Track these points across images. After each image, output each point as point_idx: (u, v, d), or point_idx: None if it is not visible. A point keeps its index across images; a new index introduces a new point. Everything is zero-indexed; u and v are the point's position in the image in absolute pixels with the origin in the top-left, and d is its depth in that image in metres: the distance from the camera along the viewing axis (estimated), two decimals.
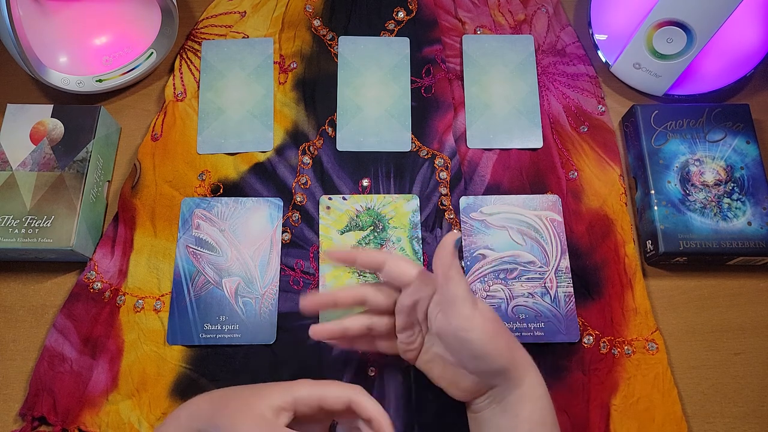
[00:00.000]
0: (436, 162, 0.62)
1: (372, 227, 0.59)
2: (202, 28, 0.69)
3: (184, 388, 0.54)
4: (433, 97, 0.65)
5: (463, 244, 0.59)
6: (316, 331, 0.47)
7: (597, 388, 0.54)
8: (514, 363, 0.41)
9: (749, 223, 0.57)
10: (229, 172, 0.62)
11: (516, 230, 0.59)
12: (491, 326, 0.41)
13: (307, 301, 0.47)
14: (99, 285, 0.57)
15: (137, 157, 0.62)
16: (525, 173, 0.62)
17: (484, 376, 0.42)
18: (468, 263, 0.58)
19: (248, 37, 0.68)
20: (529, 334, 0.55)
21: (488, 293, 0.57)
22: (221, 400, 0.41)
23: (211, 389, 0.53)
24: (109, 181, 0.63)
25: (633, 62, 0.65)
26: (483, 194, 0.61)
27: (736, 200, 0.58)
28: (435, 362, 0.45)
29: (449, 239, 0.42)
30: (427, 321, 0.44)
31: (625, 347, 0.55)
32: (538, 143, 0.64)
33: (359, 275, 0.57)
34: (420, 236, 0.59)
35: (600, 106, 0.66)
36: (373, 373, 0.54)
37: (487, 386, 0.43)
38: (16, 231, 0.55)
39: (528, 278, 0.57)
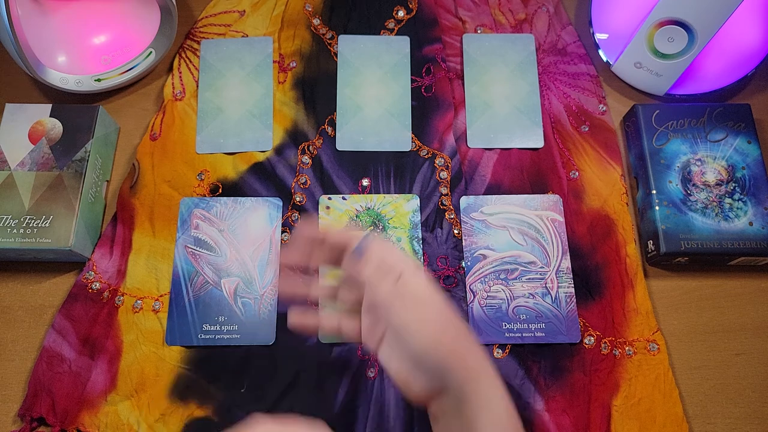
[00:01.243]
0: (437, 162, 0.62)
1: (372, 227, 0.59)
2: (201, 27, 0.69)
3: (183, 389, 0.53)
4: (434, 97, 0.65)
5: (464, 244, 0.58)
6: (293, 321, 0.46)
7: (598, 389, 0.54)
8: (458, 367, 0.39)
9: (750, 224, 0.57)
10: (228, 171, 0.62)
11: (517, 230, 0.59)
12: (433, 327, 0.39)
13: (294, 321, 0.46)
14: (97, 285, 0.57)
15: (136, 156, 0.62)
16: (526, 173, 0.62)
17: (430, 376, 0.40)
18: (469, 263, 0.58)
19: (247, 36, 0.68)
20: (530, 334, 0.55)
21: (489, 294, 0.57)
22: None
23: (210, 390, 0.53)
24: (107, 181, 0.63)
25: (634, 61, 0.64)
26: (483, 194, 0.61)
27: (738, 200, 0.58)
28: (393, 355, 0.42)
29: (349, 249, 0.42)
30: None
31: (626, 348, 0.55)
32: (539, 143, 0.63)
33: None
34: (420, 236, 0.59)
35: (601, 106, 0.65)
36: (372, 375, 0.54)
37: (438, 389, 0.40)
38: (15, 231, 0.55)
39: (529, 278, 0.57)
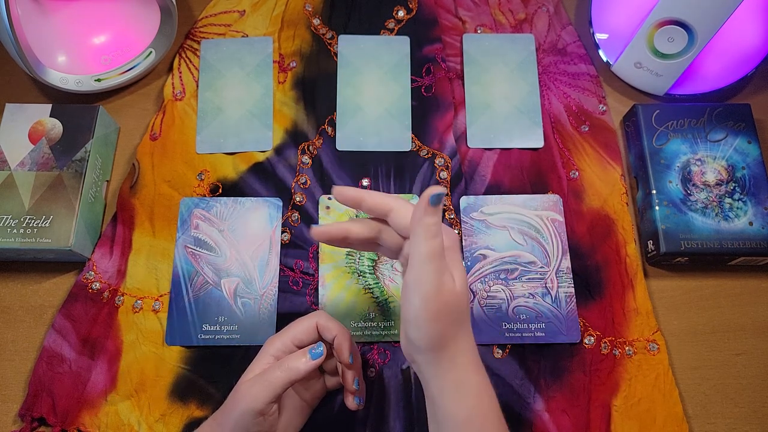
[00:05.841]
0: (437, 162, 0.62)
1: None
2: (201, 27, 0.69)
3: (183, 389, 0.53)
4: (434, 97, 0.65)
5: (463, 244, 0.58)
6: (317, 231, 0.44)
7: (598, 389, 0.54)
8: (439, 350, 0.39)
9: (750, 223, 0.57)
10: (228, 171, 0.62)
11: (517, 230, 0.59)
12: (434, 306, 0.38)
13: (316, 231, 0.44)
14: (97, 285, 0.57)
15: (136, 156, 0.62)
16: (526, 173, 0.62)
17: (415, 342, 0.40)
18: (469, 263, 0.58)
19: (247, 36, 0.68)
20: (530, 334, 0.55)
21: (489, 294, 0.57)
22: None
23: (210, 390, 0.53)
24: (107, 181, 0.63)
25: (634, 61, 0.64)
26: (483, 194, 0.61)
27: (738, 200, 0.58)
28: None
29: (426, 193, 0.38)
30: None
31: (626, 348, 0.55)
32: (539, 143, 0.63)
33: (359, 275, 0.57)
34: None
35: (601, 106, 0.65)
36: (372, 374, 0.54)
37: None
38: (15, 231, 0.55)
39: (529, 278, 0.57)
